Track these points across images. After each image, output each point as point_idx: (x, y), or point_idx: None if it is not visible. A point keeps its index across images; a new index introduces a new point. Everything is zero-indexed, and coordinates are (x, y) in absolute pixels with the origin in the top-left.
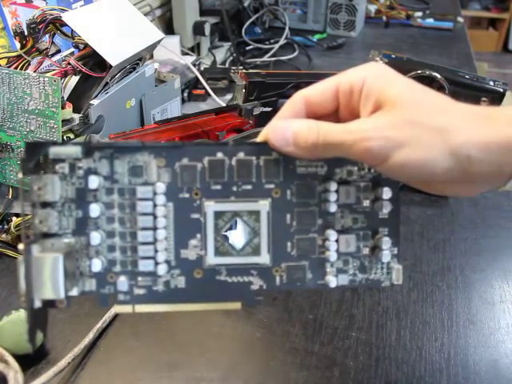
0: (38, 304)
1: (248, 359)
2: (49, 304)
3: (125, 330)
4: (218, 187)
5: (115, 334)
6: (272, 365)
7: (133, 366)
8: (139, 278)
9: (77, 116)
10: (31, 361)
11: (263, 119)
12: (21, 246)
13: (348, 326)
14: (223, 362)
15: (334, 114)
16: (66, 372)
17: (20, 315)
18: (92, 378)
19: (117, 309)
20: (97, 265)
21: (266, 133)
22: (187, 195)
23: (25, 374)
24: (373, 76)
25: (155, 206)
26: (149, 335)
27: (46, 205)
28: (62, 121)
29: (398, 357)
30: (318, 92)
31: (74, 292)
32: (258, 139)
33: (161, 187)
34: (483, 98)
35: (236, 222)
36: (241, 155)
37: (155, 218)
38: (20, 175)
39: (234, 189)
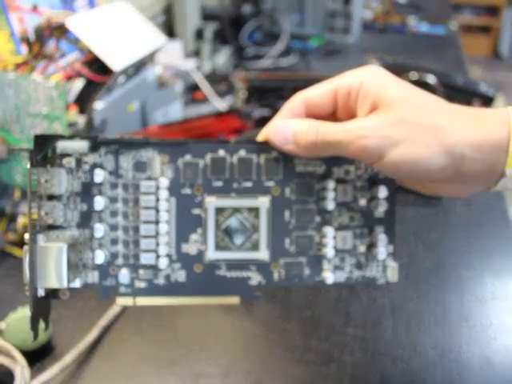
0: (41, 292)
1: (247, 355)
2: (52, 294)
3: (128, 326)
4: (219, 184)
5: (119, 330)
6: (271, 361)
7: (135, 361)
8: (140, 271)
9: (81, 119)
10: (37, 356)
11: (262, 122)
12: (26, 236)
13: (345, 322)
14: (223, 358)
15: (332, 115)
16: (71, 367)
17: (26, 312)
18: (96, 373)
19: (118, 301)
20: (100, 257)
21: (267, 132)
22: (189, 191)
23: (31, 369)
24: (370, 78)
25: (158, 200)
26: (151, 332)
27: (52, 197)
28: (67, 124)
29: (393, 353)
30: (316, 93)
31: (77, 284)
32: (259, 138)
33: (164, 182)
34: (475, 102)
35: (236, 218)
36: (242, 153)
37: (157, 212)
38: (28, 166)
39: (235, 186)
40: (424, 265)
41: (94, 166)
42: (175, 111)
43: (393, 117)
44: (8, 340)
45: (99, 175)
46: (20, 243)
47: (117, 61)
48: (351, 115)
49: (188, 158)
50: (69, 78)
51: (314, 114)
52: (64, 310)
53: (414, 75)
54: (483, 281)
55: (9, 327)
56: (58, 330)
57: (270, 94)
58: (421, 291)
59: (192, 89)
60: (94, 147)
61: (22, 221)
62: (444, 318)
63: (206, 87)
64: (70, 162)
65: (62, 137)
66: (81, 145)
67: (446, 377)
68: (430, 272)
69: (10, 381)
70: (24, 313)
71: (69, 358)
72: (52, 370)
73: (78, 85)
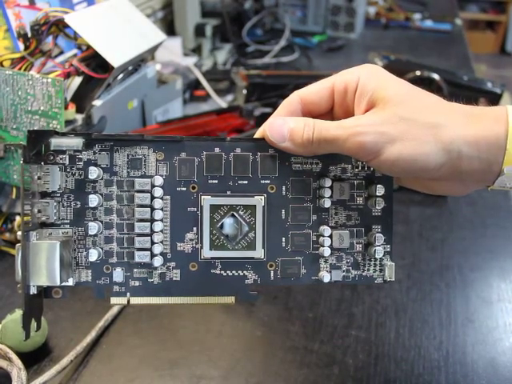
0: (33, 290)
1: (248, 357)
2: (44, 293)
3: (127, 328)
4: (215, 181)
5: (117, 332)
6: (272, 363)
7: (134, 363)
8: (135, 270)
9: (80, 116)
10: (34, 358)
11: (264, 120)
12: (19, 233)
13: (347, 324)
14: (224, 360)
15: (329, 113)
16: (69, 370)
17: None
18: (94, 375)
19: (112, 300)
20: (93, 255)
21: (264, 129)
22: (184, 189)
23: (28, 371)
24: (367, 76)
25: (153, 198)
26: (150, 333)
27: (45, 194)
28: (65, 121)
29: (397, 355)
30: (313, 91)
31: (70, 282)
32: (256, 135)
33: (159, 180)
34: (481, 99)
35: (232, 216)
36: (238, 151)
37: (152, 210)
38: (21, 162)
39: (231, 183)
40: (428, 265)
41: (89, 162)
42: (175, 109)
43: (390, 114)
44: (4, 342)
45: (93, 172)
46: (17, 243)
47: (116, 57)
48: (348, 113)
49: (183, 155)
50: (67, 75)
51: (310, 112)
52: (61, 312)
53: (417, 73)
54: (489, 282)
55: (5, 329)
56: (55, 331)
57: (271, 92)
58: (425, 292)
59: (192, 86)
60: (89, 144)
61: (18, 220)
62: (449, 320)
63: (206, 84)
64: (63, 158)
65: (55, 133)
66: (75, 141)
67: (450, 379)
68: (434, 273)
69: (6, 383)
70: (20, 314)
71: (66, 360)
72: (49, 373)
73: (77, 82)
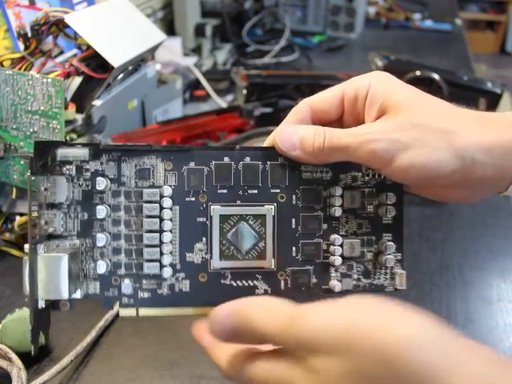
0: (41, 304)
1: None
2: (52, 305)
3: (127, 328)
4: (224, 191)
5: (117, 332)
6: None
7: (135, 363)
8: (144, 281)
9: (80, 116)
10: (34, 358)
11: (264, 120)
12: (26, 246)
13: None
14: None
15: (339, 121)
16: (69, 369)
17: (23, 313)
18: (94, 375)
19: (121, 312)
20: (101, 267)
21: (273, 137)
22: (193, 199)
23: (28, 371)
24: (377, 83)
25: (161, 208)
26: (150, 333)
27: (52, 206)
28: (65, 121)
29: None
30: (323, 99)
31: (78, 295)
32: (265, 144)
33: (167, 190)
34: (481, 99)
35: (242, 226)
36: (247, 160)
37: (161, 220)
38: (28, 173)
39: (240, 193)
40: (428, 265)
41: (96, 173)
42: (175, 109)
43: (402, 121)
44: (4, 342)
45: (101, 183)
46: (17, 243)
47: (116, 57)
48: (358, 121)
49: (192, 165)
50: (67, 75)
51: (320, 120)
52: (61, 312)
53: (417, 73)
54: (489, 282)
55: (5, 328)
56: (55, 331)
57: (271, 92)
58: (425, 292)
59: (192, 86)
60: (96, 154)
61: (18, 220)
62: (448, 320)
63: (206, 84)
64: (70, 169)
65: (63, 143)
66: (82, 152)
67: None
68: (434, 273)
69: (6, 383)
70: (21, 314)
71: (66, 360)
72: (49, 373)
73: (77, 82)
